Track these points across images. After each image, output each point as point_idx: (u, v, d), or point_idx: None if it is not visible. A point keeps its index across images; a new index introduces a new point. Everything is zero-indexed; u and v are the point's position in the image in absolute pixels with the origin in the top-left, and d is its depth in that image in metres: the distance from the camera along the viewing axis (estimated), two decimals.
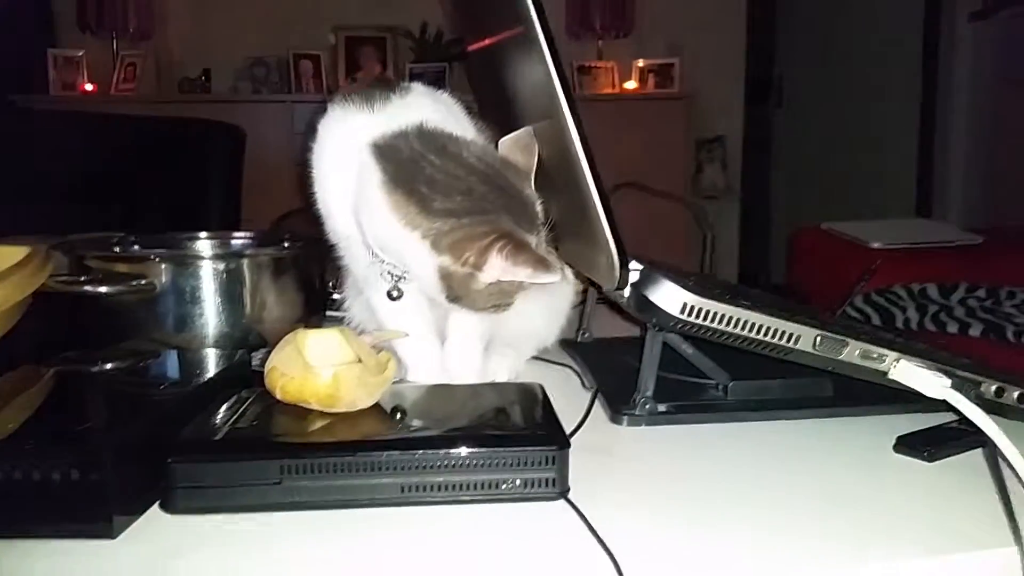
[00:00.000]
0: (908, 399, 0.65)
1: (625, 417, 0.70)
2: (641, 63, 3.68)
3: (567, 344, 0.94)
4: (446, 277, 0.68)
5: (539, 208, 0.72)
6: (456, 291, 0.68)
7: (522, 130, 0.72)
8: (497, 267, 0.66)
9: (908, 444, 0.63)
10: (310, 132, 0.77)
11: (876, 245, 2.07)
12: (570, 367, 0.88)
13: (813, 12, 4.40)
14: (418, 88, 0.78)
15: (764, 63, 4.46)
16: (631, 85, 3.69)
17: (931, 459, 0.61)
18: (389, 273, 0.74)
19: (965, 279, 1.82)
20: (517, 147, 0.73)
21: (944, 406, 0.62)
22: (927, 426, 0.66)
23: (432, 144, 0.69)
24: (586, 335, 0.97)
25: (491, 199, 0.67)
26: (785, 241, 3.06)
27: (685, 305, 0.60)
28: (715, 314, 0.60)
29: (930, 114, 3.66)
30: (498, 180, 0.69)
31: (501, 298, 0.70)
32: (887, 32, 3.88)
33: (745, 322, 0.61)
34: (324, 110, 0.77)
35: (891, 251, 2.06)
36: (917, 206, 3.72)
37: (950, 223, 2.84)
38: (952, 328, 1.63)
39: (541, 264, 0.65)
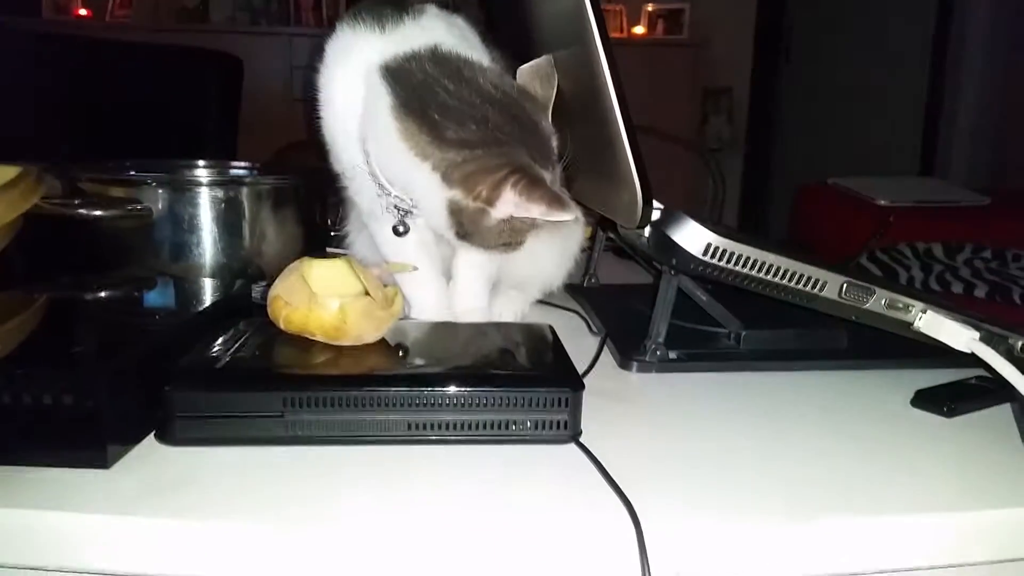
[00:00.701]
0: (924, 354, 0.64)
1: (635, 363, 0.68)
2: (651, 7, 3.59)
3: (573, 289, 0.92)
4: (456, 212, 0.65)
5: (555, 142, 0.68)
6: (466, 227, 0.65)
7: (542, 58, 0.69)
8: (510, 202, 0.62)
9: (927, 399, 0.61)
10: (317, 54, 0.73)
11: (883, 202, 2.04)
12: (576, 312, 0.86)
13: None
14: (432, 10, 0.74)
15: (775, 14, 4.36)
16: (640, 30, 3.61)
17: (951, 415, 0.59)
18: (396, 207, 0.71)
19: (971, 240, 1.80)
20: (536, 77, 0.69)
21: (961, 363, 0.60)
22: (945, 381, 0.64)
23: (446, 68, 0.66)
24: (593, 280, 0.95)
25: (507, 130, 0.64)
26: (787, 196, 3.03)
27: (709, 246, 0.58)
28: (740, 256, 0.58)
29: (940, 74, 3.60)
30: (514, 110, 0.66)
31: (512, 236, 0.67)
32: None
33: (770, 266, 0.58)
34: (332, 31, 0.73)
35: (898, 209, 2.04)
36: (922, 165, 3.68)
37: (958, 182, 2.81)
38: (957, 288, 1.61)
39: (556, 201, 0.62)
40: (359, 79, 0.68)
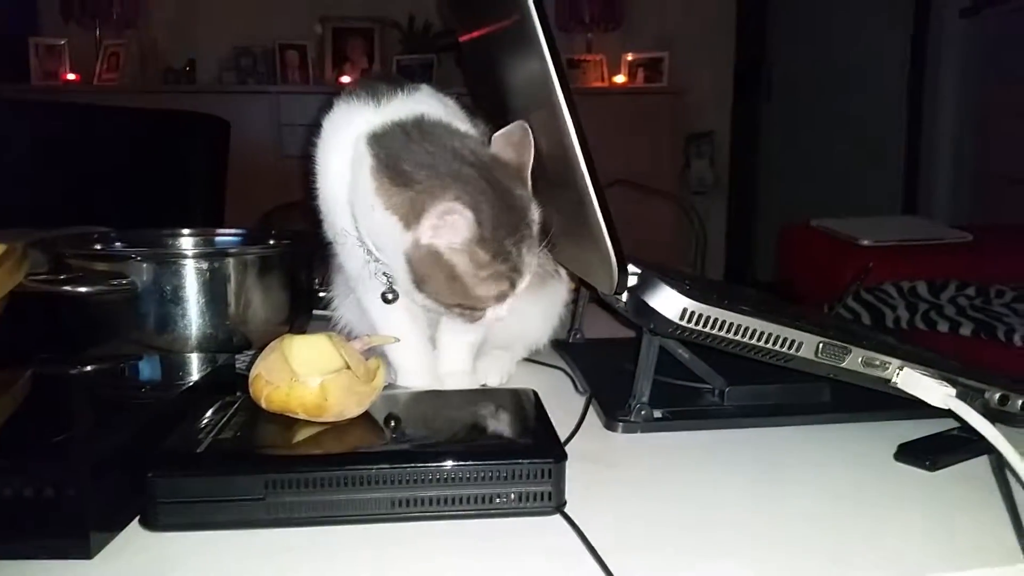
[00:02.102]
0: (906, 405, 0.64)
1: (620, 424, 0.68)
2: (630, 57, 3.66)
3: (559, 345, 0.92)
4: (407, 254, 0.66)
5: (534, 212, 0.69)
6: (418, 273, 0.66)
7: (515, 124, 0.70)
8: (430, 224, 0.64)
9: (909, 453, 0.62)
10: (315, 127, 0.76)
11: (866, 242, 2.06)
12: (562, 369, 0.86)
13: (803, 7, 4.40)
14: (426, 88, 0.76)
15: (753, 58, 4.45)
16: (620, 79, 3.67)
17: (933, 468, 0.60)
18: (384, 274, 0.72)
19: (954, 277, 1.82)
20: (509, 143, 0.71)
21: (943, 413, 0.61)
22: (927, 432, 0.65)
23: (427, 134, 0.68)
24: (578, 336, 0.96)
25: (473, 183, 0.66)
26: (772, 237, 3.05)
27: (685, 311, 0.58)
28: (715, 320, 0.59)
29: (918, 111, 3.67)
30: (486, 174, 0.67)
31: (465, 297, 0.67)
32: (878, 27, 3.88)
33: (746, 328, 0.59)
34: (330, 105, 0.76)
35: (881, 248, 2.06)
36: (904, 203, 3.73)
37: (939, 221, 2.84)
38: (943, 327, 1.63)
39: (477, 236, 0.63)
40: (351, 149, 0.70)
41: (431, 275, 0.66)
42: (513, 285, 0.68)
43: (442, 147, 0.67)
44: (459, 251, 0.65)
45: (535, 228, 0.69)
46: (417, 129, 0.68)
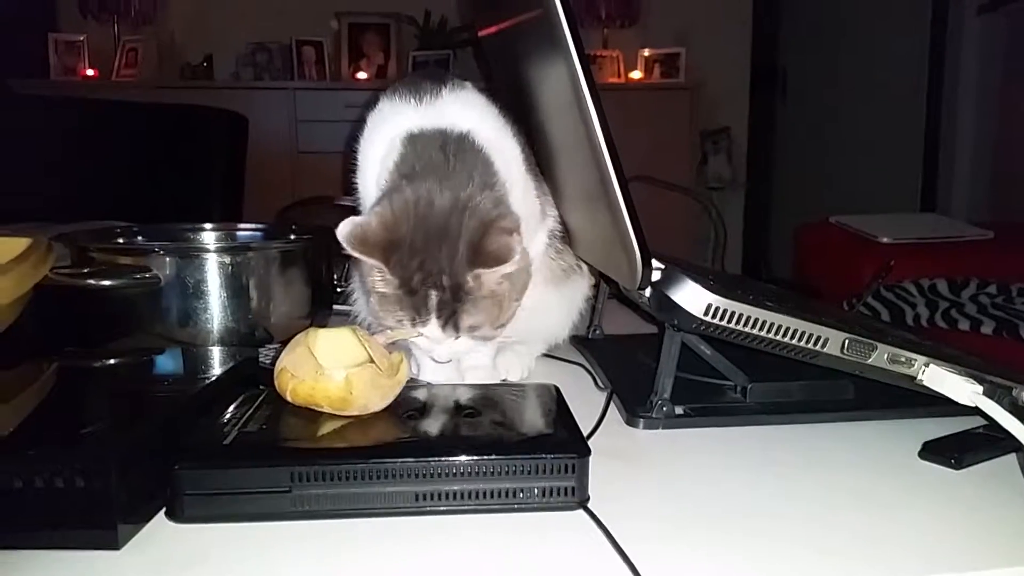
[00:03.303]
0: (931, 401, 0.64)
1: (641, 420, 0.68)
2: (647, 52, 3.65)
3: (578, 341, 0.92)
4: None
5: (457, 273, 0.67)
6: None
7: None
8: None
9: (934, 450, 0.61)
10: (360, 123, 0.78)
11: (885, 240, 2.05)
12: (582, 365, 0.86)
13: (819, 2, 4.36)
14: (469, 88, 0.78)
15: (769, 54, 4.42)
16: (636, 75, 3.66)
17: (958, 466, 0.59)
18: None
19: (974, 274, 1.80)
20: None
21: (968, 410, 0.60)
22: (952, 430, 0.64)
23: (449, 159, 0.69)
24: (597, 332, 0.95)
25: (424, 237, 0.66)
26: (788, 233, 3.04)
27: (709, 306, 0.58)
28: (740, 316, 0.58)
29: (936, 107, 3.63)
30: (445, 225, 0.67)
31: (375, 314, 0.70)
32: (894, 23, 3.85)
33: (771, 324, 0.59)
34: (375, 100, 0.78)
35: (901, 246, 2.05)
36: (922, 200, 3.69)
37: (958, 218, 2.82)
38: (964, 325, 1.61)
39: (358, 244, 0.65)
40: (387, 145, 0.72)
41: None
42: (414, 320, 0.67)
43: (441, 187, 0.68)
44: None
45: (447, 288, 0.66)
46: (455, 144, 0.70)
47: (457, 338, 0.68)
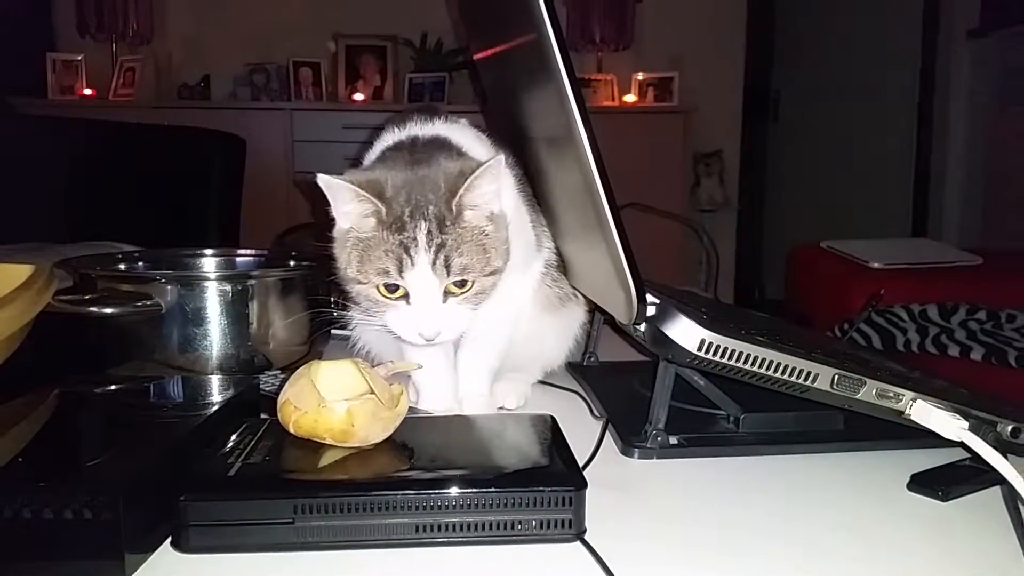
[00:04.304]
0: (920, 434, 0.65)
1: (636, 450, 0.69)
2: (641, 76, 3.68)
3: (573, 368, 0.93)
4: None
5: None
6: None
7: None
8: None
9: (922, 482, 0.62)
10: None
11: (876, 265, 2.07)
12: (577, 393, 0.87)
13: (811, 27, 4.42)
14: (463, 123, 0.81)
15: (762, 78, 4.47)
16: (631, 98, 3.70)
17: (945, 498, 0.61)
18: None
19: (964, 300, 1.83)
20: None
21: (956, 442, 0.62)
22: (940, 461, 0.66)
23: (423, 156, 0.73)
24: (592, 359, 0.97)
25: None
26: (781, 256, 3.06)
27: (703, 342, 0.60)
28: (733, 352, 0.60)
29: (927, 132, 3.68)
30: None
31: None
32: (885, 49, 3.90)
33: (763, 360, 0.60)
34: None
35: (891, 271, 2.07)
36: (913, 224, 3.73)
37: (949, 243, 2.85)
38: (953, 351, 1.63)
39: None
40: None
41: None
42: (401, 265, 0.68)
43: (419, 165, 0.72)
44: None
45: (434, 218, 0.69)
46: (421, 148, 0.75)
47: (445, 297, 0.69)
